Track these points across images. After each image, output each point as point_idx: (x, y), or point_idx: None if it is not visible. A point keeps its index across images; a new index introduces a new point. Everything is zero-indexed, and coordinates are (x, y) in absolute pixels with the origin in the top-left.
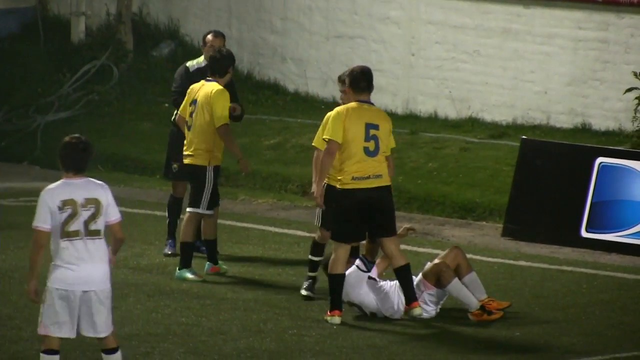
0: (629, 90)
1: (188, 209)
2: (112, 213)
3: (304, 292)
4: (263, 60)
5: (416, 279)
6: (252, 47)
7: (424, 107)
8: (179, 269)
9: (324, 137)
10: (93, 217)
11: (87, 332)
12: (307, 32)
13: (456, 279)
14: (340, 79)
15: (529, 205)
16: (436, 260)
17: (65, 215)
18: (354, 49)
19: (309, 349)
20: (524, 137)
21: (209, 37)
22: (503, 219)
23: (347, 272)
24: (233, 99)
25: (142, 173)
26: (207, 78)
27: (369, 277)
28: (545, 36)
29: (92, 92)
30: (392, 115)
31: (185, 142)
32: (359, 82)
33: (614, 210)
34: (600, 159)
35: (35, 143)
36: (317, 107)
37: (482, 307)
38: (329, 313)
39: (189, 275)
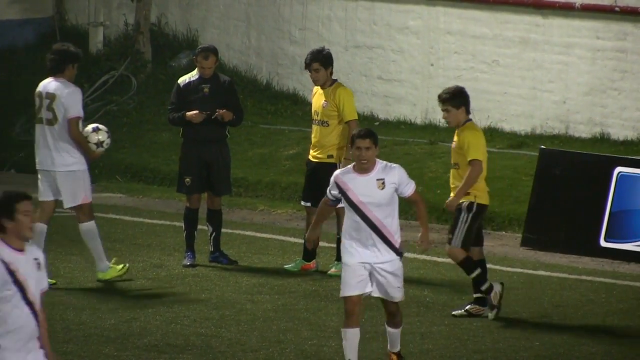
0: None
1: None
2: None
3: None
4: (282, 70)
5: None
6: (270, 57)
7: None
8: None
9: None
10: None
11: None
12: (326, 42)
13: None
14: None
15: (548, 215)
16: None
17: None
18: (372, 59)
19: None
20: (542, 146)
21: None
22: (522, 229)
23: None
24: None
25: (160, 184)
26: None
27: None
28: (564, 46)
29: (111, 103)
30: (411, 126)
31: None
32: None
33: (633, 219)
34: (619, 169)
35: None
36: None
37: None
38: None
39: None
